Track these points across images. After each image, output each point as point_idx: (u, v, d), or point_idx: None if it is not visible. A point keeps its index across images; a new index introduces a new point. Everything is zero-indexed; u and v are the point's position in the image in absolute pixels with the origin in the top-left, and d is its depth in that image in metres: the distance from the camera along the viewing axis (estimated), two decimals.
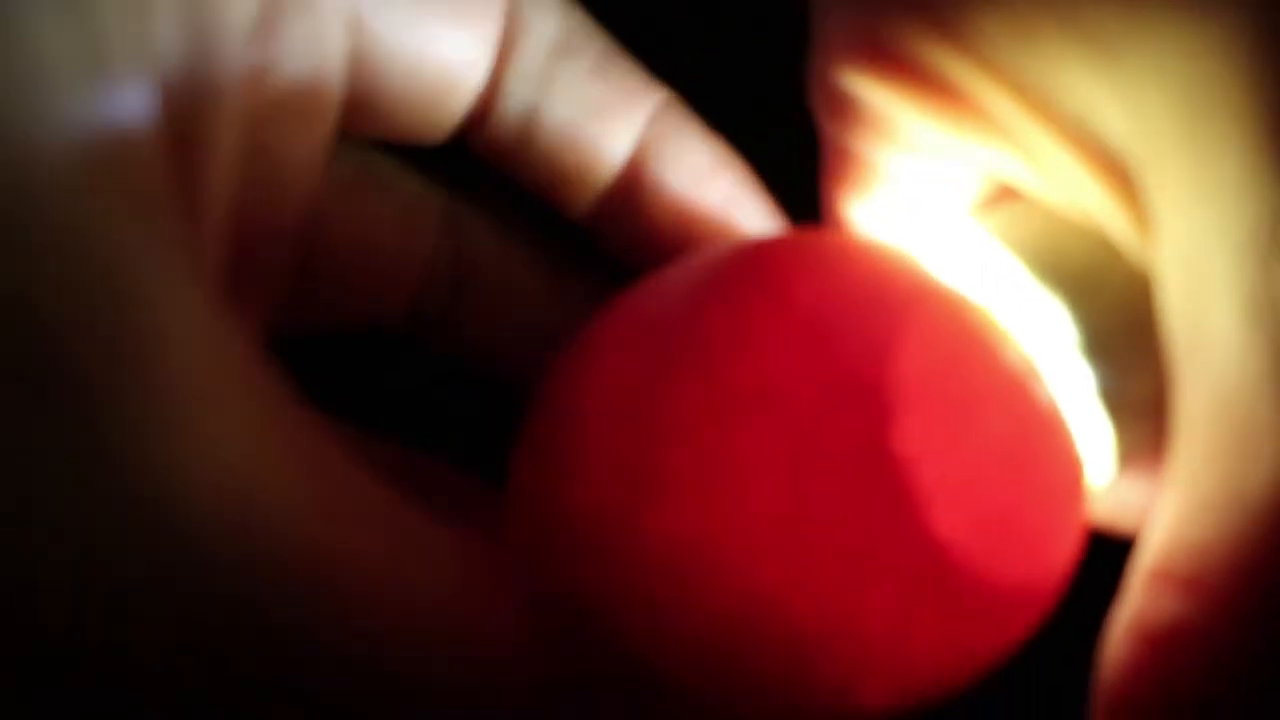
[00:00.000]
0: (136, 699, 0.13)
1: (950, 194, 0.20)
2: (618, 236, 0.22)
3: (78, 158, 0.14)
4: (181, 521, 0.13)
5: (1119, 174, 0.17)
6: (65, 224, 0.14)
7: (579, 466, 0.17)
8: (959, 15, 0.18)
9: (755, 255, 0.18)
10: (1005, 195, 0.20)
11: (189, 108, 0.16)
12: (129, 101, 0.15)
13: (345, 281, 0.22)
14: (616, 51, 0.22)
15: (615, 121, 0.21)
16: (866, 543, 0.16)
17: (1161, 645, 0.15)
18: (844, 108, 0.20)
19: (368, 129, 0.21)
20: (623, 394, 0.17)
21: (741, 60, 0.26)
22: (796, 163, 0.22)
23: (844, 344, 0.17)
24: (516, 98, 0.21)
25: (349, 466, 0.15)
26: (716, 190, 0.21)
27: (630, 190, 0.21)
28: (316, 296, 0.22)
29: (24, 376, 0.13)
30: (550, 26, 0.21)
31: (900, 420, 0.16)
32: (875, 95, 0.19)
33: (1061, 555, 0.18)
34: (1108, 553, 0.18)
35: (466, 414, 0.24)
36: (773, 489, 0.16)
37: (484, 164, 0.22)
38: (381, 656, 0.14)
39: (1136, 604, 0.16)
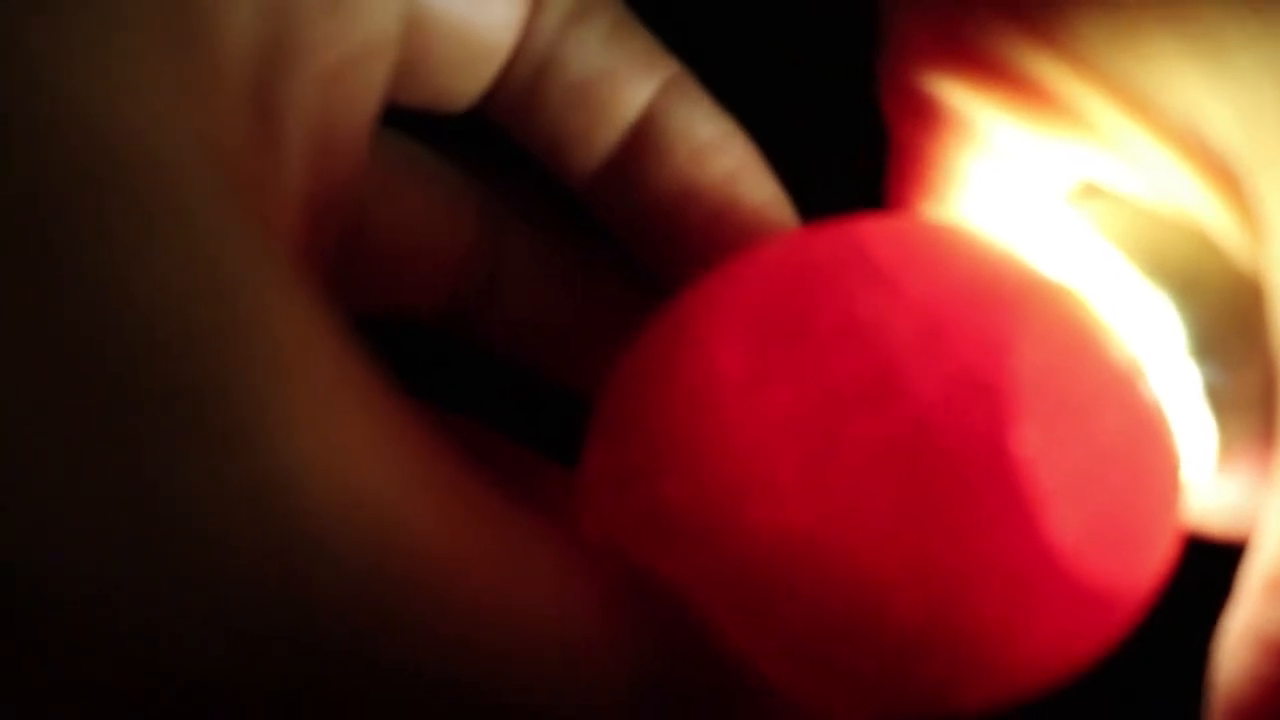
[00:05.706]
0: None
1: (1031, 193, 0.20)
2: (616, 206, 0.21)
3: (173, 138, 0.13)
4: (311, 537, 0.12)
5: (1224, 174, 0.17)
6: (162, 207, 0.13)
7: (680, 460, 0.17)
8: (1053, 15, 0.17)
9: (857, 241, 0.18)
10: (1089, 192, 0.20)
11: (269, 79, 0.15)
12: (213, 73, 0.14)
13: (384, 272, 0.22)
14: (633, 21, 0.21)
15: (623, 88, 0.21)
16: (979, 545, 0.16)
17: None
18: (922, 109, 0.19)
19: (404, 96, 0.20)
20: (727, 386, 0.17)
21: (799, 58, 0.25)
22: (850, 159, 0.22)
23: (958, 340, 0.16)
24: (531, 58, 0.20)
25: (460, 464, 0.14)
26: (720, 165, 0.21)
27: (632, 158, 0.21)
28: (355, 285, 0.21)
29: (125, 371, 0.12)
30: None
31: (1018, 422, 0.16)
32: (958, 97, 0.19)
33: (1161, 556, 0.17)
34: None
35: (501, 406, 0.24)
36: (885, 487, 0.16)
37: (498, 129, 0.21)
38: (499, 675, 0.13)
39: (1256, 611, 0.16)
